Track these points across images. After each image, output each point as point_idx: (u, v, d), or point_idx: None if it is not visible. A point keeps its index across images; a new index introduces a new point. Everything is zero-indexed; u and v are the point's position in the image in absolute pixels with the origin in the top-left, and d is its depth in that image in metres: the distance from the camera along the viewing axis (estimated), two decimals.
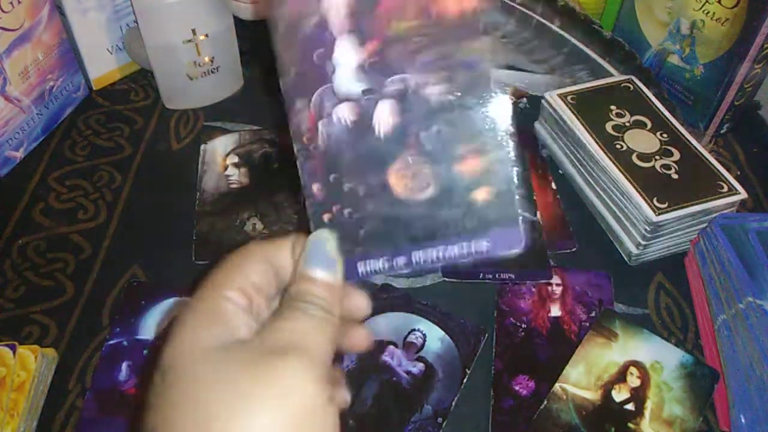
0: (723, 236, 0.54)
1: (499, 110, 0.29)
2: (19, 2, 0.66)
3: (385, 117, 0.29)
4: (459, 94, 0.29)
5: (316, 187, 0.30)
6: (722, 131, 0.73)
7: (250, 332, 0.27)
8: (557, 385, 0.50)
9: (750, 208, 0.66)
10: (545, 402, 0.49)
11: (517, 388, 0.51)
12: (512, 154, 0.29)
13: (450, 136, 0.29)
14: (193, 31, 0.71)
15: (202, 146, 0.71)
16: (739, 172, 0.70)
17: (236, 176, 0.68)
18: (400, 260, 0.30)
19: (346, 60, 0.29)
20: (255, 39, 0.78)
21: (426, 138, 0.29)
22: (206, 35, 0.72)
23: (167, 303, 0.56)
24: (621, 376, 0.50)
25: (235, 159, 0.70)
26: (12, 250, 0.62)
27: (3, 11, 0.65)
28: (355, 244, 0.30)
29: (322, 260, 0.29)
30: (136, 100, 0.79)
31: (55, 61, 0.73)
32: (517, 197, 0.29)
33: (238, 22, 0.74)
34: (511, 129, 0.29)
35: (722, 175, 0.59)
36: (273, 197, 0.66)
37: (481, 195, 0.29)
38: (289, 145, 0.31)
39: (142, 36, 0.71)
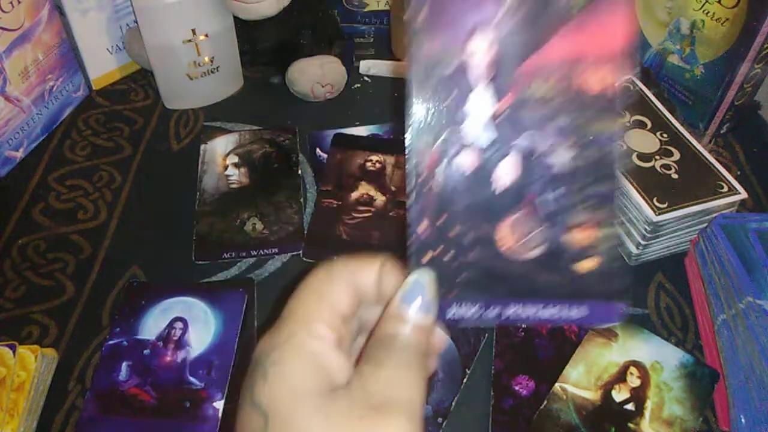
0: (723, 236, 0.54)
1: (617, 187, 0.29)
2: (19, 2, 0.66)
3: (506, 173, 0.29)
4: (585, 166, 0.29)
5: (422, 226, 0.29)
6: (722, 131, 0.73)
7: (345, 373, 0.27)
8: (557, 385, 0.50)
9: (750, 208, 0.66)
10: (545, 402, 0.49)
11: (517, 388, 0.51)
12: (620, 232, 0.29)
13: (567, 205, 0.29)
14: (193, 31, 0.71)
15: (202, 146, 0.71)
16: (739, 172, 0.70)
17: (236, 176, 0.68)
18: (492, 311, 0.30)
19: (479, 108, 0.29)
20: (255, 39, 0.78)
21: (542, 202, 0.29)
22: (206, 35, 0.72)
23: (167, 303, 0.56)
24: (621, 376, 0.50)
25: (235, 159, 0.70)
26: (12, 250, 0.62)
27: (3, 11, 0.65)
28: (450, 288, 0.30)
29: (420, 302, 0.29)
30: (136, 100, 0.79)
31: (55, 61, 0.73)
32: (625, 274, 0.29)
33: (238, 22, 0.74)
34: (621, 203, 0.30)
35: (722, 175, 0.59)
36: (273, 197, 0.66)
37: (587, 265, 0.29)
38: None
39: (142, 36, 0.71)
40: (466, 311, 0.30)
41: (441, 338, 0.32)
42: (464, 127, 0.29)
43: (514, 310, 0.30)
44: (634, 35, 0.29)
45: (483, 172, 0.29)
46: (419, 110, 0.29)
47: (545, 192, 0.29)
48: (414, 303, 0.28)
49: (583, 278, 0.29)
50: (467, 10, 0.28)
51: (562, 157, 0.29)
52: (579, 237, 0.29)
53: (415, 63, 0.29)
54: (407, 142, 0.29)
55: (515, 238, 0.29)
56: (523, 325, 0.55)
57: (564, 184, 0.29)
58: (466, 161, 0.29)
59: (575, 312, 0.30)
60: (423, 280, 0.29)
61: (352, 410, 0.26)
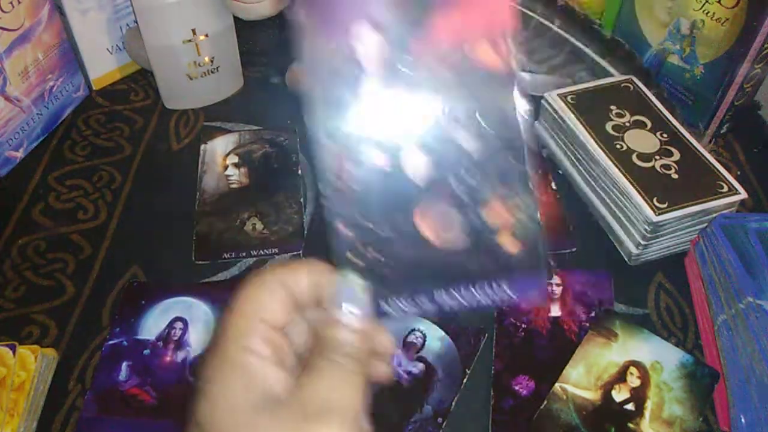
0: (723, 236, 0.54)
1: (522, 157, 0.29)
2: (19, 2, 0.66)
3: (412, 161, 0.29)
4: (491, 143, 0.29)
5: (341, 225, 0.29)
6: (722, 131, 0.73)
7: (283, 385, 0.28)
8: (557, 385, 0.50)
9: (750, 208, 0.66)
10: (545, 402, 0.49)
11: (517, 388, 0.51)
12: (536, 201, 0.29)
13: (479, 185, 0.29)
14: (193, 31, 0.71)
15: (202, 146, 0.71)
16: (739, 172, 0.70)
17: (236, 176, 0.68)
18: (425, 301, 0.30)
19: (374, 101, 0.29)
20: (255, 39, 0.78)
21: (458, 187, 0.29)
22: (206, 35, 0.72)
23: (167, 303, 0.56)
24: (621, 376, 0.50)
25: (235, 159, 0.70)
26: (12, 250, 0.62)
27: (3, 11, 0.65)
28: (378, 283, 0.30)
29: (349, 304, 0.29)
30: (136, 100, 0.79)
31: (55, 61, 0.73)
32: (542, 245, 0.30)
33: (238, 22, 0.74)
34: (533, 175, 0.29)
35: (722, 175, 0.59)
36: (273, 197, 0.66)
37: (506, 241, 0.30)
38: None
39: (142, 36, 0.71)
40: (398, 305, 0.30)
41: (385, 338, 0.31)
42: (363, 122, 0.29)
43: (445, 297, 0.30)
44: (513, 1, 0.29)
45: (391, 164, 0.29)
46: (318, 108, 0.29)
47: (456, 177, 0.29)
48: (344, 304, 0.29)
49: (504, 255, 0.30)
50: (344, 3, 0.28)
51: (466, 139, 0.29)
52: (493, 214, 0.30)
53: (305, 61, 0.28)
54: (314, 143, 0.29)
55: (433, 223, 0.30)
56: (523, 326, 0.55)
57: (473, 165, 0.29)
58: (372, 155, 0.29)
59: (502, 291, 0.30)
60: (350, 281, 0.29)
61: (286, 422, 0.26)
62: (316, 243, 0.62)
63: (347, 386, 0.28)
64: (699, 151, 0.61)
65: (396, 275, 0.30)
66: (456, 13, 0.28)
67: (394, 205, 0.30)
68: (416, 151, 0.29)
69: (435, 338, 0.54)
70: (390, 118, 0.29)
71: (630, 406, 0.49)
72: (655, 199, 0.56)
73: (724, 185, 0.58)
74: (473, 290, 0.30)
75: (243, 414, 0.26)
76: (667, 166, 0.60)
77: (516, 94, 0.29)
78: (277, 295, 0.30)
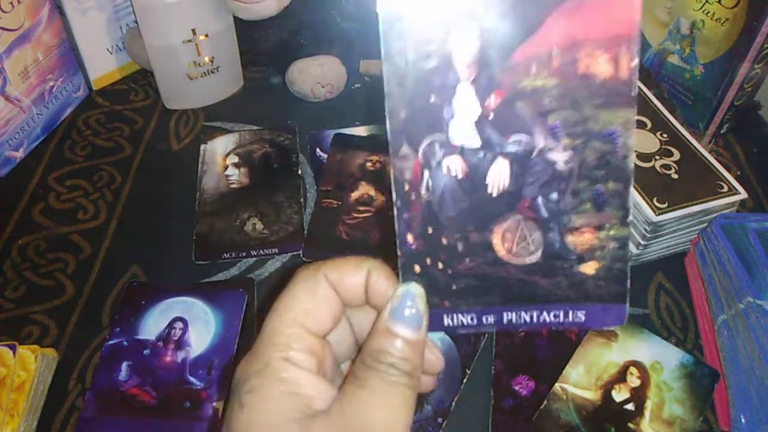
0: (723, 236, 0.54)
1: (625, 187, 0.27)
2: (19, 2, 0.66)
3: (499, 176, 0.27)
4: (586, 163, 0.27)
5: (410, 237, 0.27)
6: (722, 131, 0.73)
7: (325, 399, 0.26)
8: (557, 385, 0.50)
9: (750, 208, 0.66)
10: (545, 402, 0.49)
11: (517, 388, 0.51)
12: (629, 233, 0.27)
13: (569, 207, 0.27)
14: (193, 31, 0.71)
15: (202, 146, 0.71)
16: (739, 172, 0.70)
17: (236, 176, 0.68)
18: (490, 318, 0.28)
19: (466, 109, 0.26)
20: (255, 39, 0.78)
21: (542, 204, 0.27)
22: (206, 35, 0.72)
23: (167, 303, 0.56)
24: (621, 376, 0.50)
25: (235, 159, 0.70)
26: (12, 250, 0.62)
27: (3, 11, 0.65)
28: (443, 297, 0.28)
29: (409, 316, 0.27)
30: (136, 100, 0.79)
31: (55, 61, 0.73)
32: (628, 276, 0.28)
33: (238, 22, 0.74)
34: (632, 206, 0.27)
35: (722, 175, 0.59)
36: (273, 197, 0.66)
37: (589, 269, 0.28)
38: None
39: (142, 36, 0.71)
40: (461, 321, 0.28)
41: (437, 356, 0.30)
42: (451, 129, 0.27)
43: (511, 318, 0.28)
44: (641, 11, 0.26)
45: (473, 176, 0.27)
46: (399, 111, 0.26)
47: (542, 194, 0.27)
48: (403, 317, 0.27)
49: (583, 282, 0.28)
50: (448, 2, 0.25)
51: (560, 156, 0.27)
52: (581, 240, 0.27)
53: (390, 58, 0.26)
54: (390, 147, 0.27)
55: (511, 243, 0.28)
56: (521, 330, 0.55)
57: (563, 184, 0.27)
58: (455, 166, 0.27)
59: (574, 317, 0.28)
60: (413, 292, 0.27)
61: None
62: (316, 243, 0.62)
63: (394, 402, 0.25)
64: (699, 151, 0.61)
65: (463, 290, 0.28)
66: (574, 16, 0.25)
67: (473, 220, 0.28)
68: (505, 166, 0.27)
69: (435, 338, 0.54)
70: (479, 126, 0.27)
71: (630, 406, 0.49)
72: (655, 199, 0.56)
73: (724, 185, 0.58)
74: (545, 313, 0.28)
75: (282, 427, 0.25)
76: (667, 166, 0.60)
77: (632, 112, 0.26)
78: (325, 299, 0.28)
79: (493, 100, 0.26)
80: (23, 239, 0.63)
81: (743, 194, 0.58)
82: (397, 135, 0.27)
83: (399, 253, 0.28)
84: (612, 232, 0.27)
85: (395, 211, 0.27)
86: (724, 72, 0.67)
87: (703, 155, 0.61)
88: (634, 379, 0.50)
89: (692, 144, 0.62)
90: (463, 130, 0.27)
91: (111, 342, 0.53)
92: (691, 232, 0.59)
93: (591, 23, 0.25)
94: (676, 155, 0.61)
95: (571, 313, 0.28)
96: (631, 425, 0.48)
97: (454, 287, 0.28)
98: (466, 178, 0.27)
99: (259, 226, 0.63)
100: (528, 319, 0.28)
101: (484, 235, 0.28)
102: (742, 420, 0.48)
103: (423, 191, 0.27)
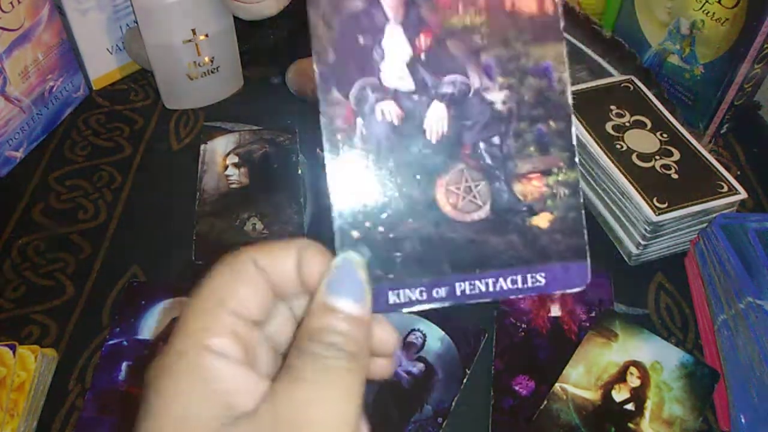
0: (723, 236, 0.54)
1: (567, 125, 0.25)
2: (19, 2, 0.66)
3: (438, 120, 0.25)
4: (524, 102, 0.25)
5: (345, 196, 0.25)
6: (722, 131, 0.73)
7: (253, 396, 0.22)
8: (557, 385, 0.50)
9: (750, 208, 0.66)
10: (545, 402, 0.49)
11: (517, 388, 0.51)
12: (579, 178, 0.26)
13: (513, 150, 0.25)
14: (193, 31, 0.71)
15: (202, 146, 0.71)
16: (739, 172, 0.70)
17: (236, 176, 0.68)
18: (441, 291, 0.25)
19: (397, 50, 0.25)
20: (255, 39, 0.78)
21: (485, 150, 0.25)
22: (206, 35, 0.72)
23: (167, 303, 0.56)
24: (621, 376, 0.50)
25: (235, 159, 0.70)
26: (12, 250, 0.62)
27: (3, 11, 0.65)
28: (387, 270, 0.25)
29: (350, 288, 0.23)
30: (136, 100, 0.79)
31: (55, 61, 0.73)
32: (584, 227, 0.25)
33: (238, 22, 0.74)
34: (577, 147, 0.25)
35: (722, 175, 0.59)
36: (273, 197, 0.66)
37: (542, 221, 0.25)
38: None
39: (142, 36, 0.71)
40: (409, 295, 0.25)
41: (388, 333, 0.25)
42: (382, 72, 0.25)
43: (464, 288, 0.25)
44: None
45: (409, 123, 0.25)
46: (327, 53, 0.25)
47: (483, 138, 0.25)
48: (342, 288, 0.23)
49: (537, 238, 0.25)
50: None
51: (497, 95, 0.25)
52: (530, 188, 0.25)
53: (323, 3, 0.24)
54: (318, 93, 0.24)
55: (456, 197, 0.25)
56: (522, 325, 0.55)
57: (503, 126, 0.25)
58: (389, 110, 0.25)
59: (534, 281, 0.25)
60: (351, 259, 0.24)
61: None
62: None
63: (335, 394, 0.21)
64: (699, 151, 0.61)
65: (408, 258, 0.25)
66: None
67: (410, 171, 0.25)
68: (443, 109, 0.25)
69: (435, 338, 0.54)
70: (411, 67, 0.25)
71: (630, 406, 0.49)
72: (655, 199, 0.56)
73: (724, 185, 0.58)
74: (501, 280, 0.25)
75: None
76: (667, 166, 0.60)
77: (562, 45, 0.25)
78: (252, 281, 0.24)
79: (423, 40, 0.25)
80: (23, 239, 0.63)
81: (743, 194, 0.58)
82: (326, 78, 0.25)
83: (333, 215, 0.25)
84: (561, 177, 0.25)
85: (326, 166, 0.25)
86: (724, 72, 0.67)
87: (703, 155, 0.61)
88: (634, 379, 0.50)
89: (692, 144, 0.62)
90: (396, 72, 0.25)
91: (111, 342, 0.53)
92: (691, 232, 0.59)
93: None
94: (676, 155, 0.61)
95: (529, 277, 0.25)
96: (631, 425, 0.48)
97: (398, 254, 0.25)
98: (403, 125, 0.25)
99: (259, 226, 0.63)
100: (483, 288, 0.25)
101: (426, 191, 0.25)
102: (742, 420, 0.48)
103: (357, 141, 0.25)
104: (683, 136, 0.63)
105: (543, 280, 0.26)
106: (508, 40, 0.25)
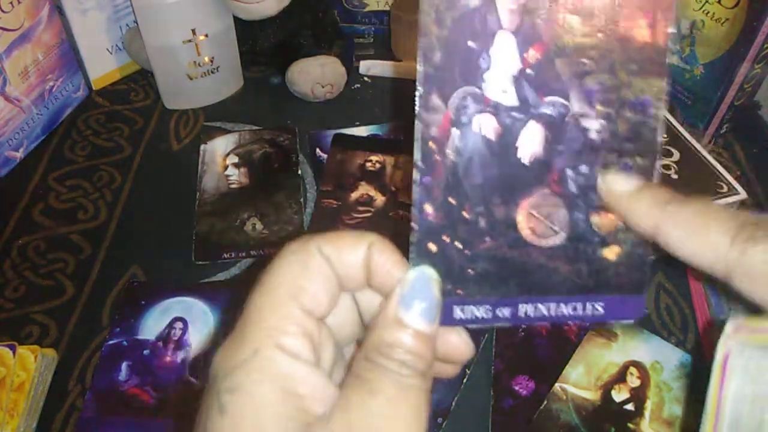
0: None
1: (652, 163, 0.25)
2: (19, 2, 0.66)
3: (532, 140, 0.24)
4: (620, 133, 0.25)
5: (430, 207, 0.24)
6: (722, 131, 0.73)
7: (324, 401, 0.21)
8: (557, 385, 0.50)
9: (750, 208, 0.66)
10: (545, 402, 0.49)
11: (517, 388, 0.51)
12: None
13: (596, 181, 0.25)
14: (193, 31, 0.71)
15: (202, 146, 0.71)
16: (739, 172, 0.70)
17: (236, 176, 0.68)
18: (505, 311, 0.25)
19: (505, 61, 0.24)
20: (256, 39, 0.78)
21: (572, 177, 0.25)
22: (206, 35, 0.72)
23: (167, 303, 0.56)
24: (621, 377, 0.50)
25: (235, 159, 0.70)
26: (12, 250, 0.62)
27: (3, 11, 0.65)
28: (457, 285, 0.25)
29: (423, 305, 0.23)
30: (136, 100, 0.79)
31: (55, 61, 0.73)
32: (648, 263, 0.25)
33: (238, 22, 0.74)
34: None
35: (722, 175, 0.59)
36: (273, 197, 0.66)
37: (611, 254, 0.25)
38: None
39: (142, 36, 0.71)
40: (473, 314, 0.25)
41: (465, 340, 0.25)
42: (486, 81, 0.24)
43: (527, 310, 0.25)
44: None
45: (505, 139, 0.24)
46: (434, 52, 0.23)
47: (572, 166, 0.24)
48: (416, 305, 0.23)
49: (604, 269, 0.25)
50: None
51: (593, 124, 0.24)
52: (604, 221, 0.25)
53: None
54: (417, 97, 0.23)
55: (536, 222, 0.25)
56: (523, 326, 0.55)
57: (593, 155, 0.24)
58: (487, 124, 0.24)
59: (593, 309, 0.26)
60: (427, 276, 0.23)
61: None
62: None
63: (409, 412, 0.21)
64: (699, 151, 0.61)
65: (479, 276, 0.25)
66: None
67: (500, 190, 0.24)
68: (539, 130, 0.24)
69: None
70: (516, 82, 0.24)
71: (630, 406, 0.49)
72: None
73: (724, 185, 0.58)
74: (563, 306, 0.25)
75: None
76: (667, 166, 0.60)
77: (665, 82, 0.24)
78: (321, 274, 0.23)
79: (533, 54, 0.24)
80: (23, 239, 0.63)
81: (743, 194, 0.58)
82: (429, 81, 0.23)
83: (414, 226, 0.24)
84: None
85: (415, 175, 0.24)
86: (724, 72, 0.67)
87: (703, 155, 0.61)
88: (634, 379, 0.50)
89: (692, 144, 0.62)
90: (500, 85, 0.24)
91: (111, 342, 0.53)
92: None
93: None
94: (676, 155, 0.61)
95: (589, 305, 0.26)
96: (630, 425, 0.48)
97: (470, 272, 0.25)
98: (497, 141, 0.24)
99: (259, 226, 0.64)
100: (545, 312, 0.25)
101: (509, 211, 0.25)
102: None
103: (449, 152, 0.24)
104: (683, 136, 0.63)
105: (601, 310, 0.26)
106: (614, 67, 0.24)
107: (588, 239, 0.25)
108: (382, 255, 0.24)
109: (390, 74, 0.81)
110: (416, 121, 0.24)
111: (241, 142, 0.72)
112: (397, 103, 0.76)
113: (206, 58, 0.74)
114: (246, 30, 0.76)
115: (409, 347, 0.22)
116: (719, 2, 0.65)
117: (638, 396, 0.49)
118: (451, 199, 0.24)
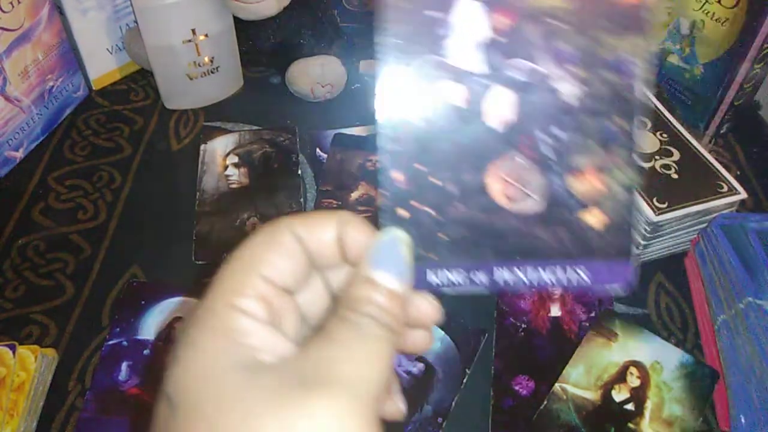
0: (723, 236, 0.54)
1: (633, 124, 0.24)
2: (19, 2, 0.66)
3: (500, 105, 0.24)
4: (598, 96, 0.24)
5: (396, 175, 0.24)
6: (722, 131, 0.73)
7: (276, 354, 0.22)
8: (557, 385, 0.50)
9: (750, 208, 0.66)
10: (545, 402, 0.49)
11: (517, 388, 0.51)
12: (637, 179, 0.25)
13: (572, 144, 0.24)
14: (193, 31, 0.71)
15: (202, 146, 0.71)
16: (739, 172, 0.70)
17: (236, 176, 0.68)
18: (481, 276, 0.25)
19: (471, 28, 0.23)
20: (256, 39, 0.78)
21: (545, 141, 0.24)
22: (206, 35, 0.72)
23: (167, 303, 0.56)
24: (621, 376, 0.50)
25: (235, 159, 0.70)
26: (12, 250, 0.62)
27: (3, 11, 0.65)
28: (429, 250, 0.25)
29: (392, 264, 0.23)
30: (136, 100, 0.79)
31: (55, 61, 0.73)
32: (633, 227, 0.25)
33: (238, 22, 0.74)
34: (640, 150, 0.24)
35: (722, 175, 0.59)
36: (273, 197, 0.66)
37: (592, 218, 0.25)
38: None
39: (142, 36, 0.71)
40: (448, 278, 0.25)
41: (429, 306, 0.26)
42: (450, 46, 0.24)
43: (504, 275, 0.25)
44: None
45: (471, 105, 0.24)
46: (394, 18, 0.23)
47: (545, 129, 0.24)
48: (386, 264, 0.23)
49: (585, 234, 0.25)
50: None
51: (567, 87, 0.24)
52: (584, 183, 0.25)
53: None
54: (379, 63, 0.23)
55: (508, 186, 0.25)
56: (522, 326, 0.55)
57: (567, 118, 0.24)
58: (452, 91, 0.24)
59: (576, 274, 0.25)
60: (398, 237, 0.24)
61: (276, 388, 0.20)
62: None
63: (366, 356, 0.21)
64: (699, 151, 0.61)
65: (452, 241, 0.25)
66: None
67: (464, 154, 0.24)
68: (505, 95, 0.24)
69: (435, 338, 0.54)
70: (482, 48, 0.24)
71: (630, 406, 0.49)
72: (655, 199, 0.56)
73: (724, 185, 0.58)
74: (541, 270, 0.25)
75: (220, 379, 0.21)
76: (667, 166, 0.60)
77: (647, 39, 0.24)
78: (287, 249, 0.24)
79: (499, 19, 0.24)
80: (23, 239, 0.63)
81: (743, 194, 0.58)
82: (387, 50, 0.23)
83: (383, 192, 0.24)
84: (618, 176, 0.25)
85: (380, 141, 0.24)
86: (724, 72, 0.67)
87: (703, 155, 0.61)
88: (634, 379, 0.50)
89: (692, 144, 0.62)
90: (465, 52, 0.24)
91: (111, 342, 0.53)
92: (691, 232, 0.59)
93: None
94: (676, 155, 0.61)
95: (570, 270, 0.25)
96: (631, 425, 0.48)
97: (443, 237, 0.25)
98: (464, 106, 0.24)
99: (259, 226, 0.63)
100: (523, 277, 0.25)
101: (478, 176, 0.24)
102: (742, 420, 0.48)
103: (414, 119, 0.24)
104: (683, 136, 0.63)
105: (584, 276, 0.25)
106: (587, 27, 0.24)
107: (566, 203, 0.25)
108: (355, 229, 0.24)
109: None
110: (376, 90, 0.24)
111: (241, 142, 0.72)
112: None
113: (206, 58, 0.74)
114: (246, 30, 0.76)
115: (377, 303, 0.22)
116: (719, 2, 0.65)
117: (638, 396, 0.49)
118: (418, 166, 0.24)
